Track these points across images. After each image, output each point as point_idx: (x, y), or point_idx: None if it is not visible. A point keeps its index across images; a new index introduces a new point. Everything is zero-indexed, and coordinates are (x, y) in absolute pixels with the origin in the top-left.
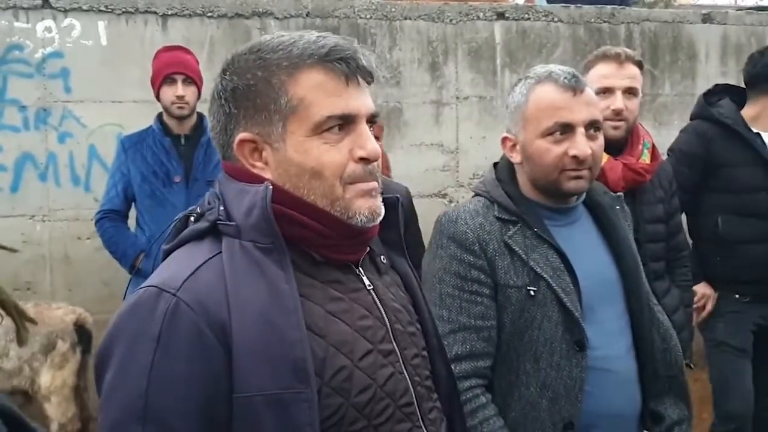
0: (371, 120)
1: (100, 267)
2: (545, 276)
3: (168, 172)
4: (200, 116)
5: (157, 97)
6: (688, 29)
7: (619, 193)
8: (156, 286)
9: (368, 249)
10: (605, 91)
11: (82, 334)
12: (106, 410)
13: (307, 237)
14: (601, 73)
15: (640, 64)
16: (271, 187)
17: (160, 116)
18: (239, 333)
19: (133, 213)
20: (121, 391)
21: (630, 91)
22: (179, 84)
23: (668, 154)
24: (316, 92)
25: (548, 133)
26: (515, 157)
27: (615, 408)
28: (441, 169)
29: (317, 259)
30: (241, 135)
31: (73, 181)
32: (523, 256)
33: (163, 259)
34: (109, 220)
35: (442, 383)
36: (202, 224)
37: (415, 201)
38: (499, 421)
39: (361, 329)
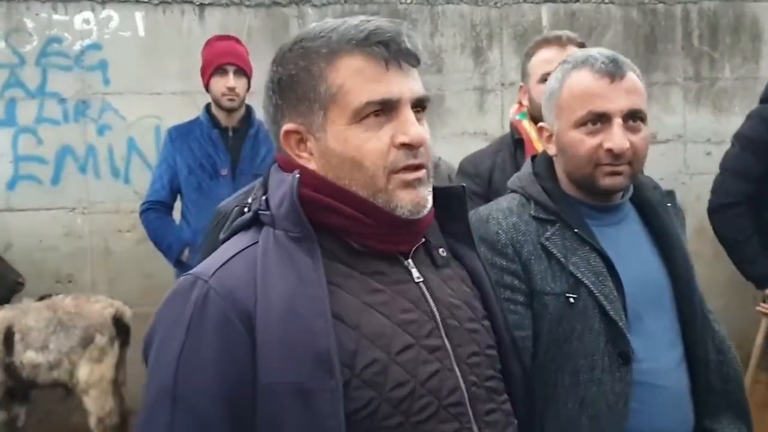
0: (420, 105)
1: (140, 260)
2: (586, 282)
3: (215, 164)
4: (248, 108)
5: (207, 87)
6: (752, 8)
7: (671, 189)
8: (192, 275)
9: (423, 240)
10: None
11: (120, 327)
12: (147, 389)
13: (346, 226)
14: (543, 59)
15: (581, 45)
16: (298, 175)
17: (208, 107)
18: (263, 321)
19: (178, 205)
20: (157, 373)
21: None
22: (230, 75)
23: (731, 142)
24: (355, 78)
25: (581, 123)
26: (551, 149)
27: (664, 426)
28: None
29: (357, 249)
30: (287, 126)
31: (112, 173)
32: (562, 259)
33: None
34: (155, 212)
35: (517, 383)
36: (248, 215)
37: None
38: None
39: (402, 323)
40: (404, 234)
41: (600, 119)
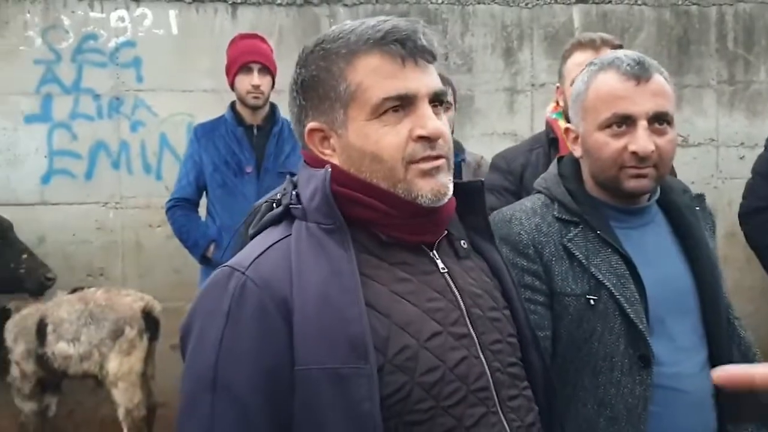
0: (437, 99)
1: (170, 255)
2: (607, 284)
3: (240, 162)
4: (272, 106)
5: (232, 85)
6: None
7: (701, 193)
8: (229, 266)
9: (446, 232)
10: None
11: (149, 321)
12: (185, 380)
13: (374, 218)
14: (578, 62)
15: (620, 47)
16: (330, 170)
17: (233, 105)
18: (300, 309)
19: (203, 202)
20: (196, 364)
21: None
22: (255, 73)
23: (765, 146)
24: (373, 76)
25: (606, 125)
26: (577, 151)
27: (685, 431)
28: None
29: (385, 241)
30: (310, 124)
31: (144, 169)
32: (584, 261)
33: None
34: (180, 209)
35: (537, 373)
36: (278, 209)
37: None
38: None
39: (430, 310)
40: (427, 224)
41: (625, 121)
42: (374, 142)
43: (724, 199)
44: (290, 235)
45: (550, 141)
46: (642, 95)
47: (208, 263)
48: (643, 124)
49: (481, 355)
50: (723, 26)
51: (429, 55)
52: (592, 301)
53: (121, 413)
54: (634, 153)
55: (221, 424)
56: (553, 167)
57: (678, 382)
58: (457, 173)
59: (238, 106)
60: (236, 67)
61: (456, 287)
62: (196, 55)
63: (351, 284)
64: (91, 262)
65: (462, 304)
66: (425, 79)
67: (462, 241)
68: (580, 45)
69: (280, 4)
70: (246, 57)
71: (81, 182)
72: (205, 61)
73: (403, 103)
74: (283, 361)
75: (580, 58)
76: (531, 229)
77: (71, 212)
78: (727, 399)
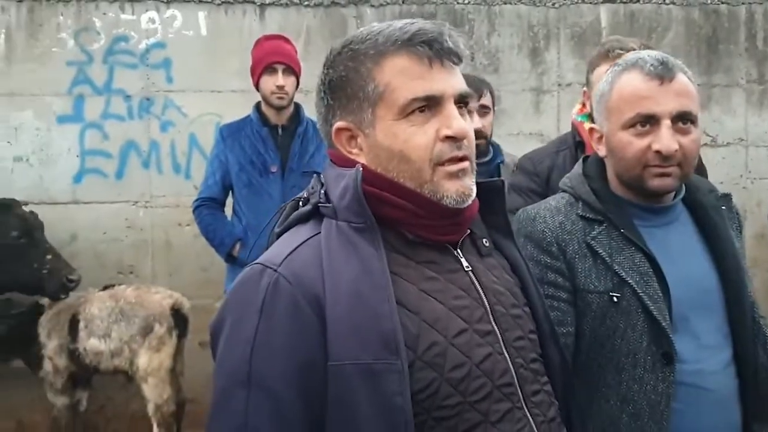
0: (462, 100)
1: (199, 253)
2: (630, 281)
3: (265, 161)
4: (297, 106)
5: (256, 86)
6: None
7: (726, 192)
8: (260, 263)
9: (469, 231)
10: None
11: (178, 318)
12: (217, 377)
13: (401, 217)
14: (603, 73)
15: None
16: (361, 169)
17: (258, 105)
18: (332, 306)
19: (229, 201)
20: (229, 359)
21: None
22: (279, 74)
23: None
24: (401, 77)
25: (630, 124)
26: (601, 150)
27: (708, 429)
28: None
29: (411, 240)
30: (338, 124)
31: (174, 168)
32: (607, 258)
33: (276, 241)
34: (207, 208)
35: (556, 369)
36: (307, 207)
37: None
38: None
39: (456, 308)
40: (452, 224)
41: (648, 121)
42: (402, 142)
43: (753, 200)
44: (319, 233)
45: (576, 144)
46: (665, 95)
47: (233, 262)
48: (666, 123)
49: (505, 352)
50: (752, 25)
51: (455, 57)
52: (615, 299)
53: (150, 408)
54: (657, 152)
55: (255, 419)
56: (577, 167)
57: (701, 379)
58: (497, 174)
59: (263, 107)
60: (261, 67)
61: (480, 285)
62: (224, 55)
63: (382, 282)
64: (122, 259)
65: (486, 301)
66: (451, 81)
67: (484, 240)
68: (608, 57)
69: (307, 5)
70: (270, 58)
71: (112, 181)
72: (234, 62)
73: (430, 104)
74: (316, 357)
75: (605, 70)
76: (555, 227)
77: (102, 211)
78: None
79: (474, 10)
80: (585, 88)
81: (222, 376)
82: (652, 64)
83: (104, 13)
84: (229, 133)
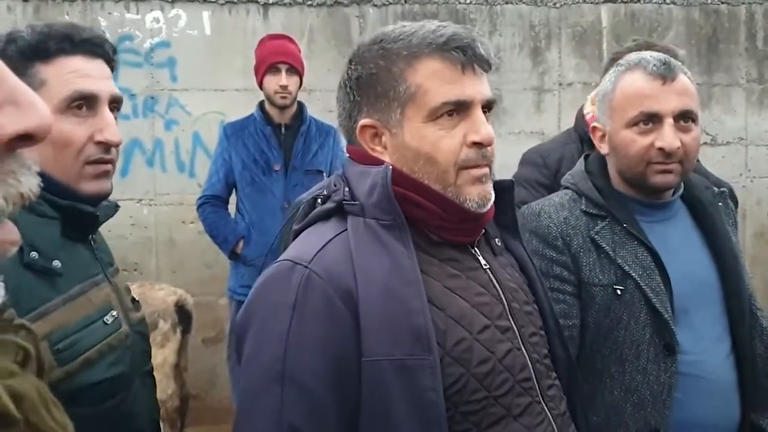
0: (488, 107)
1: (202, 250)
2: (633, 275)
3: (268, 160)
4: (300, 105)
5: (260, 85)
6: None
7: (722, 189)
8: (290, 260)
9: (483, 231)
10: None
11: (182, 314)
12: (247, 374)
13: (425, 218)
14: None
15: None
16: (390, 167)
17: (261, 104)
18: (365, 301)
19: (233, 199)
20: (261, 356)
21: None
22: (283, 73)
23: None
24: (433, 80)
25: (633, 123)
26: (604, 148)
27: (708, 418)
28: None
29: (434, 239)
30: (363, 121)
31: (178, 167)
32: (611, 252)
33: (294, 238)
34: (211, 206)
35: (562, 364)
36: (329, 205)
37: None
38: None
39: (479, 305)
40: (472, 227)
41: (652, 119)
42: (430, 144)
43: (753, 199)
44: (345, 230)
45: (582, 138)
46: (668, 94)
47: (237, 259)
48: (669, 121)
49: (523, 348)
50: (752, 25)
51: (486, 64)
52: (618, 291)
53: None
54: (660, 149)
55: (291, 415)
56: (580, 164)
57: (701, 370)
58: None
59: (267, 106)
60: (264, 67)
61: (497, 282)
62: (228, 55)
63: (413, 278)
64: (126, 257)
65: (504, 298)
66: (480, 87)
67: (497, 239)
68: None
69: (310, 5)
70: (274, 57)
71: (116, 179)
72: (238, 61)
73: (459, 109)
74: (350, 352)
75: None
76: (559, 222)
77: None
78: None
79: (475, 9)
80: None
81: (254, 374)
82: (654, 65)
83: (109, 13)
84: (233, 132)
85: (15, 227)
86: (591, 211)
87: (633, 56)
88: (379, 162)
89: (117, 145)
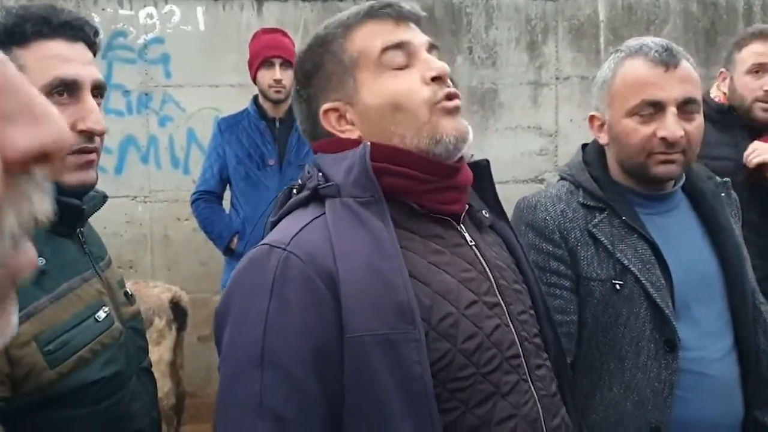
0: (433, 48)
1: (198, 247)
2: (633, 269)
3: (262, 155)
4: None
5: (254, 79)
6: None
7: (725, 179)
8: (267, 244)
9: (468, 207)
10: (758, 70)
11: (177, 311)
12: (226, 361)
13: (403, 186)
14: (757, 51)
15: None
16: (369, 144)
17: (255, 99)
18: (346, 280)
19: (227, 195)
20: (239, 341)
21: None
22: (277, 68)
23: None
24: (370, 38)
25: (635, 112)
26: (603, 138)
27: (710, 415)
28: (538, 153)
29: (418, 213)
30: (324, 106)
31: (172, 163)
32: (609, 246)
33: (270, 230)
34: (205, 201)
35: (550, 346)
36: (305, 192)
37: (510, 186)
38: None
39: (465, 280)
40: (452, 188)
41: (654, 108)
42: (390, 91)
43: None
44: (323, 214)
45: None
46: (670, 81)
47: (231, 254)
48: (672, 110)
49: (511, 324)
50: (750, 17)
51: (414, 17)
52: (617, 286)
53: None
54: (663, 139)
55: (272, 399)
56: (577, 155)
57: (703, 366)
58: None
59: (261, 100)
60: (258, 61)
61: (484, 259)
62: (223, 50)
63: (393, 252)
64: (121, 254)
65: (491, 275)
66: (417, 33)
67: (483, 211)
68: (762, 35)
69: (305, 0)
70: (268, 51)
71: (111, 176)
72: (232, 57)
73: (405, 51)
74: (332, 333)
75: (759, 48)
76: (556, 215)
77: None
78: (754, 384)
79: (471, 3)
80: (722, 69)
81: (232, 360)
82: (656, 51)
83: (103, 9)
84: (227, 127)
85: (32, 249)
86: (589, 203)
87: (633, 42)
88: (349, 147)
89: (101, 134)
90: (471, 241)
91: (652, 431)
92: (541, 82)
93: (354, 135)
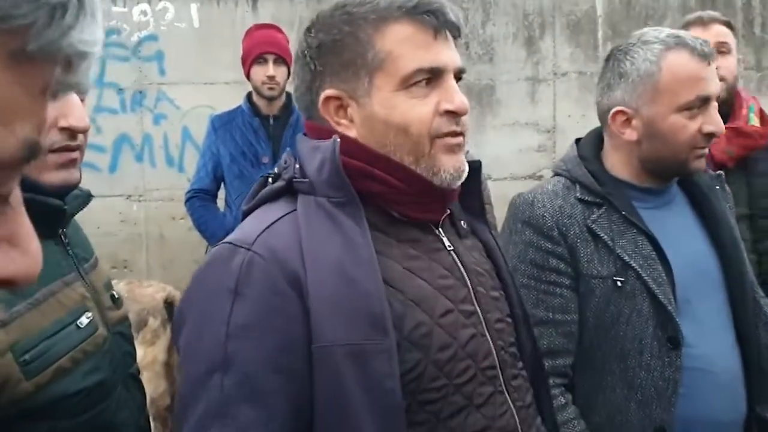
0: (459, 75)
1: (193, 246)
2: (634, 265)
3: (256, 152)
4: (288, 96)
5: (247, 76)
6: None
7: (719, 172)
8: (230, 243)
9: (449, 212)
10: None
11: (172, 311)
12: (187, 364)
13: (384, 192)
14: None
15: (728, 24)
16: (338, 140)
17: (249, 96)
18: (314, 284)
19: (222, 193)
20: (201, 344)
21: (721, 47)
22: (270, 64)
23: None
24: (404, 45)
25: (687, 107)
26: (629, 134)
27: (714, 412)
28: (536, 149)
29: (395, 217)
30: (327, 92)
31: (167, 162)
32: (609, 242)
33: (242, 220)
34: (199, 200)
35: (527, 354)
36: (279, 183)
37: (507, 183)
38: (580, 425)
39: (442, 288)
40: (436, 201)
41: (702, 103)
42: (401, 114)
43: None
44: (295, 210)
45: None
46: (713, 75)
47: None
48: (714, 104)
49: (487, 334)
50: (749, 11)
51: (456, 30)
52: (619, 283)
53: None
54: (709, 134)
55: (234, 406)
56: (571, 149)
57: (706, 363)
58: None
59: (254, 97)
60: (251, 58)
61: (462, 265)
62: (217, 47)
63: (367, 257)
64: (116, 254)
65: (469, 282)
66: (452, 54)
67: (462, 221)
68: (688, 24)
69: None
70: (261, 48)
71: (105, 175)
72: (227, 54)
73: (432, 76)
74: (297, 338)
75: (698, 35)
76: (554, 212)
77: (96, 205)
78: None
79: None
80: None
81: (195, 363)
82: (700, 43)
83: None
84: (221, 124)
85: None
86: (586, 198)
87: (661, 34)
88: (342, 136)
89: (84, 131)
90: (449, 246)
91: (657, 431)
92: (539, 77)
93: (351, 133)
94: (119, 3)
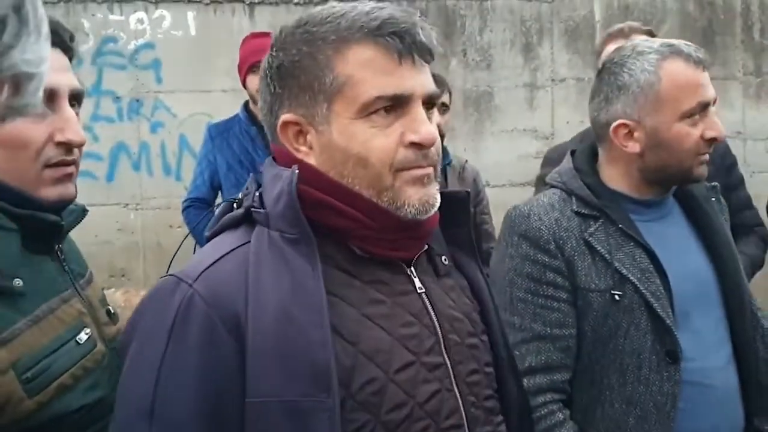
0: (430, 102)
1: (190, 255)
2: (632, 278)
3: (253, 161)
4: None
5: (244, 84)
6: None
7: (714, 183)
8: (176, 276)
9: (426, 248)
10: None
11: None
12: (117, 407)
13: (348, 227)
14: (610, 51)
15: (650, 33)
16: (297, 171)
17: (246, 104)
18: (255, 329)
19: (219, 201)
20: (131, 387)
21: None
22: None
23: None
24: (365, 70)
25: (689, 114)
26: (631, 147)
27: (713, 427)
28: (534, 156)
29: (358, 255)
30: (285, 116)
31: (164, 170)
32: (606, 255)
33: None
34: (195, 209)
35: (512, 402)
36: (238, 211)
37: (505, 190)
38: None
39: (403, 338)
40: (407, 239)
41: (702, 109)
42: (361, 143)
43: (751, 193)
44: (249, 242)
45: None
46: (708, 81)
47: None
48: (713, 109)
49: (455, 389)
50: (749, 17)
51: (427, 54)
52: (617, 297)
53: None
54: (711, 139)
55: None
56: (567, 161)
57: (705, 376)
58: (443, 177)
59: (251, 105)
60: (247, 66)
61: (434, 310)
62: (214, 55)
63: (316, 302)
64: (113, 262)
65: (439, 329)
66: (421, 79)
67: (443, 257)
68: (610, 36)
69: (297, 4)
70: (257, 56)
71: (102, 184)
72: (224, 62)
73: (396, 104)
74: (232, 388)
75: (611, 48)
76: (551, 225)
77: (93, 213)
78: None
79: (466, 5)
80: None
81: (123, 408)
82: (694, 50)
83: (93, 14)
84: (218, 133)
85: None
86: (583, 211)
87: (660, 42)
88: (303, 165)
89: (80, 146)
90: (420, 288)
91: None
92: (537, 84)
93: (309, 160)
94: (116, 11)
